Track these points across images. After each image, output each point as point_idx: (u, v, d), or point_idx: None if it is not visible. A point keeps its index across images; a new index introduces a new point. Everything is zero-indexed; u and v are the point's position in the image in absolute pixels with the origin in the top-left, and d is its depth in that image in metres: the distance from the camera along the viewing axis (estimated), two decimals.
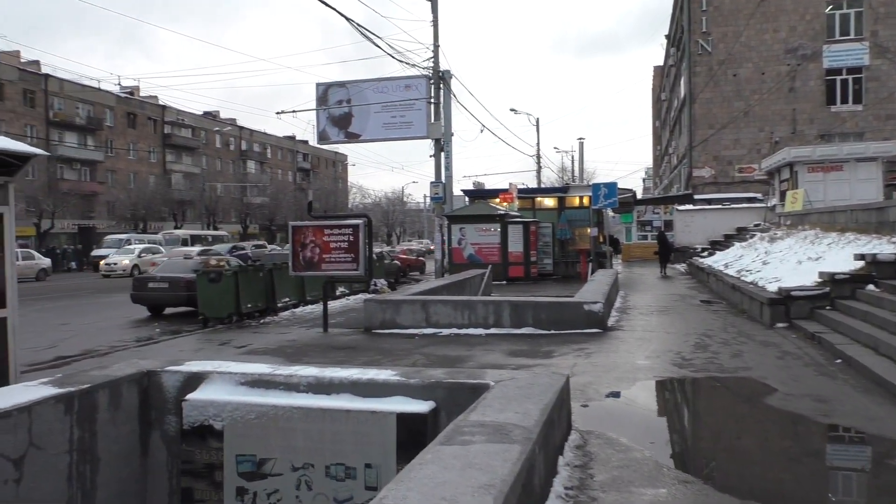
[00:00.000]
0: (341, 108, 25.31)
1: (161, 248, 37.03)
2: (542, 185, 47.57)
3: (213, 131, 72.09)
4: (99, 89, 57.34)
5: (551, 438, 4.35)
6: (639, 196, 39.95)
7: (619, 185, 22.66)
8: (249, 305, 14.22)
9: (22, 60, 54.19)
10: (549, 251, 24.31)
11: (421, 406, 4.94)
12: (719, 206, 31.88)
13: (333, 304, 16.24)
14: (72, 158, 56.15)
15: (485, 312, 11.44)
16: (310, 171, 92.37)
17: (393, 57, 21.98)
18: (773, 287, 11.69)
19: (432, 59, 23.01)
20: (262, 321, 13.95)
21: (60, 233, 51.50)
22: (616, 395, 6.95)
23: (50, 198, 47.62)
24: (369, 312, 12.03)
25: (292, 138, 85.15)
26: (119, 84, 52.43)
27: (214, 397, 5.29)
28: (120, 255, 34.58)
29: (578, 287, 14.69)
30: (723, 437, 5.90)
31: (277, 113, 31.27)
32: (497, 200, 25.74)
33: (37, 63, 55.01)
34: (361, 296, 16.35)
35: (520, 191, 27.00)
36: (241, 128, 78.85)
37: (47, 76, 54.34)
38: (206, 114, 74.48)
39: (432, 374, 5.32)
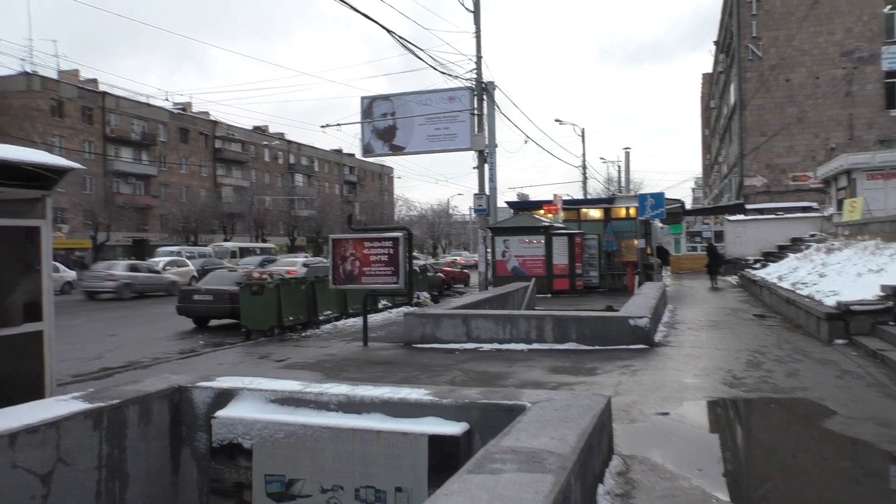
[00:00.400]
0: (386, 121, 25.44)
1: (187, 261, 36.62)
2: (588, 196, 46.99)
3: (262, 145, 73.54)
4: (149, 104, 59.03)
5: (590, 466, 4.10)
6: (688, 206, 39.06)
7: (667, 196, 22.15)
8: (291, 318, 14.23)
9: (81, 79, 56.23)
10: (594, 263, 23.86)
11: (454, 428, 4.75)
12: (772, 216, 30.91)
13: (375, 318, 16.19)
14: (127, 173, 57.99)
15: (527, 327, 11.17)
16: (356, 184, 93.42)
17: (435, 69, 22.00)
18: (830, 301, 11.13)
19: (475, 71, 22.95)
20: (303, 334, 13.95)
21: (116, 245, 53.09)
22: (662, 416, 6.62)
23: (106, 211, 49.13)
24: (409, 326, 11.89)
25: (339, 151, 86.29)
26: (167, 99, 54.01)
27: (244, 415, 5.18)
28: None
29: (625, 300, 14.29)
30: (776, 464, 5.53)
31: (322, 126, 31.65)
32: (541, 212, 25.43)
33: (94, 81, 57.03)
34: (404, 309, 16.24)
35: (565, 202, 26.63)
36: (290, 142, 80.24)
37: (104, 94, 56.29)
38: (256, 128, 76.07)
39: (466, 394, 5.12)
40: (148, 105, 59.07)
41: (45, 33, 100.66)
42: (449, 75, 22.58)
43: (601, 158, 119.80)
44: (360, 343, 12.02)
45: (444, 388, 5.42)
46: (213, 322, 16.48)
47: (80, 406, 4.71)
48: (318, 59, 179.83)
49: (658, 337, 11.49)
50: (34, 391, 5.72)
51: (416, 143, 25.16)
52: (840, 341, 10.18)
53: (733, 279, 25.66)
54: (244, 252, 45.35)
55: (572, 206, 26.67)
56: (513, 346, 10.92)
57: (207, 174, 67.91)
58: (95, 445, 4.71)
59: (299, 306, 14.60)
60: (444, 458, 4.59)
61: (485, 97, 23.09)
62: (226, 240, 57.54)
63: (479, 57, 22.91)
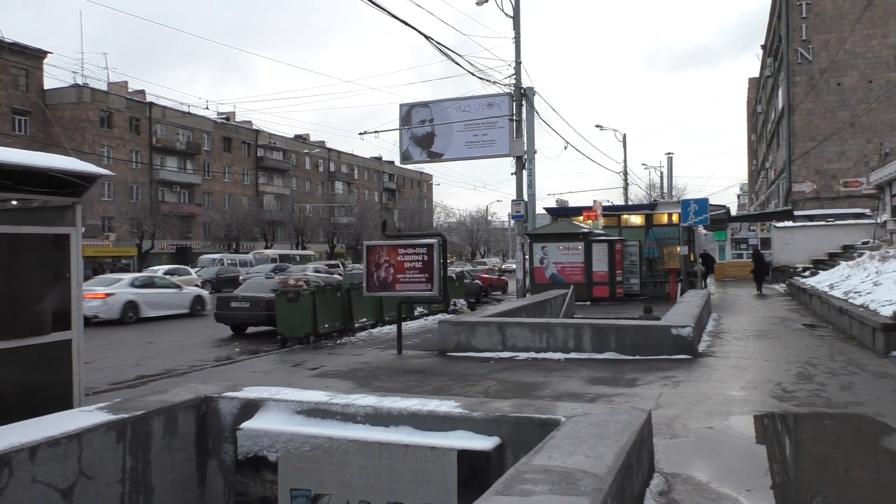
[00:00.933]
0: (424, 128, 25.36)
1: (189, 269, 36.40)
2: (630, 203, 46.25)
3: (303, 153, 74.37)
4: (193, 114, 60.19)
5: (628, 487, 3.84)
6: (733, 213, 38.12)
7: (712, 202, 21.56)
8: (327, 325, 14.18)
9: (129, 91, 57.67)
10: (635, 270, 23.35)
11: (484, 443, 4.54)
12: (822, 223, 29.86)
13: (411, 325, 16.04)
14: (172, 182, 59.16)
15: (564, 336, 10.88)
16: (395, 191, 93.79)
17: (474, 75, 21.80)
18: (886, 311, 10.59)
19: (514, 77, 22.72)
20: (338, 341, 13.87)
21: (160, 252, 54.16)
22: (706, 431, 6.29)
23: (151, 219, 50.17)
24: (443, 334, 11.70)
25: (379, 159, 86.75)
26: (207, 107, 55.01)
27: (269, 427, 5.04)
28: None
29: (667, 308, 13.87)
30: (831, 486, 5.16)
31: (360, 133, 31.94)
32: (581, 218, 25.03)
33: (142, 92, 58.44)
34: (440, 316, 16.08)
35: (605, 208, 26.18)
36: (330, 150, 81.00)
37: (151, 104, 57.63)
38: (297, 137, 76.98)
39: (498, 407, 4.89)
40: (192, 115, 60.28)
41: (98, 46, 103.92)
42: (488, 81, 22.41)
43: (643, 164, 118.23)
44: (395, 351, 11.87)
45: (474, 401, 5.21)
46: (251, 329, 16.53)
47: (103, 417, 4.62)
48: (361, 68, 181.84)
49: (702, 347, 11.09)
50: (63, 401, 5.69)
51: (454, 150, 25.01)
52: None
53: (781, 287, 24.86)
54: (284, 259, 45.88)
55: (612, 212, 26.19)
56: (549, 355, 10.64)
57: (249, 182, 68.94)
58: (119, 458, 4.61)
59: (335, 313, 14.55)
60: (474, 474, 4.39)
61: (524, 103, 22.83)
62: (267, 247, 58.26)
63: (518, 62, 22.68)
